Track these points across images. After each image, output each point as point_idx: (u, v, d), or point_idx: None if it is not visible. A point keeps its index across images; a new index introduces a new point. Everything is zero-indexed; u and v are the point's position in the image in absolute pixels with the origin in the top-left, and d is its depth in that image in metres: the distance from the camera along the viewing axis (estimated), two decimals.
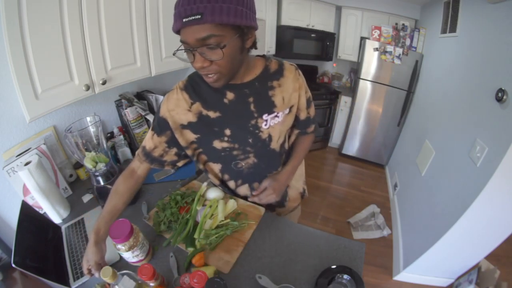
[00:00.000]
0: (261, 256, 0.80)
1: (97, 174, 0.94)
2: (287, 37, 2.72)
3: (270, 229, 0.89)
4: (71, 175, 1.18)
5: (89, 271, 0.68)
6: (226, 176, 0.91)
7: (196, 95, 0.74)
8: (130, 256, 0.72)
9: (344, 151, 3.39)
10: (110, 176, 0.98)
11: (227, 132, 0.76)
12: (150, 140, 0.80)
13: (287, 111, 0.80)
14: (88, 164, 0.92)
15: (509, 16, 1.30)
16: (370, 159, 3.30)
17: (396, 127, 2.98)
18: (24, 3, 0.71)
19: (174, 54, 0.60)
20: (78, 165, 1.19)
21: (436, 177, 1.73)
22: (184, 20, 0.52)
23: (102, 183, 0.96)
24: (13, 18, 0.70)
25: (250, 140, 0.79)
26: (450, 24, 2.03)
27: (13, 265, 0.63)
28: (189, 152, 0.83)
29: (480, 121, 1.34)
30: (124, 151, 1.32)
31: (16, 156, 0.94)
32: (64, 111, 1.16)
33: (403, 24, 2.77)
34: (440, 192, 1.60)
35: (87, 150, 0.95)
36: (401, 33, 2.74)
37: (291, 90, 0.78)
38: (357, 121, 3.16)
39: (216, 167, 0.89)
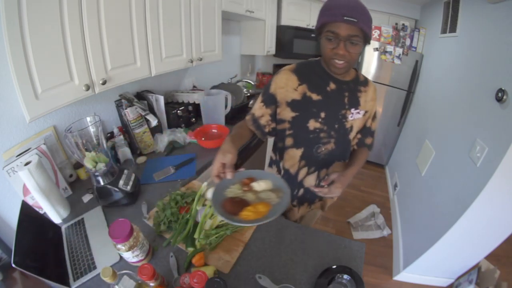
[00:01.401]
0: (261, 256, 0.80)
1: (97, 174, 0.94)
2: (287, 37, 2.71)
3: (270, 229, 0.89)
4: (71, 175, 1.18)
5: (219, 175, 0.72)
6: (302, 163, 0.99)
7: (304, 78, 0.91)
8: (130, 256, 0.72)
9: None
10: (110, 176, 0.98)
11: (322, 114, 0.91)
12: (259, 110, 0.96)
13: (364, 112, 0.97)
14: (88, 164, 0.92)
15: (509, 16, 1.30)
16: (370, 159, 3.30)
17: (396, 127, 2.97)
18: (24, 3, 0.71)
19: (317, 39, 0.84)
20: (78, 165, 1.19)
21: (436, 177, 1.73)
22: (345, 18, 0.73)
23: (102, 183, 0.96)
24: (13, 18, 0.70)
25: (336, 126, 0.94)
26: (450, 24, 2.03)
27: (13, 265, 0.63)
28: (281, 126, 0.96)
29: (480, 121, 1.34)
30: (124, 151, 1.32)
31: (16, 156, 0.94)
32: (64, 111, 1.16)
33: (403, 24, 2.77)
34: (440, 192, 1.60)
35: (87, 150, 0.95)
36: (401, 33, 2.74)
37: (369, 99, 0.97)
38: None
39: (297, 153, 0.97)
